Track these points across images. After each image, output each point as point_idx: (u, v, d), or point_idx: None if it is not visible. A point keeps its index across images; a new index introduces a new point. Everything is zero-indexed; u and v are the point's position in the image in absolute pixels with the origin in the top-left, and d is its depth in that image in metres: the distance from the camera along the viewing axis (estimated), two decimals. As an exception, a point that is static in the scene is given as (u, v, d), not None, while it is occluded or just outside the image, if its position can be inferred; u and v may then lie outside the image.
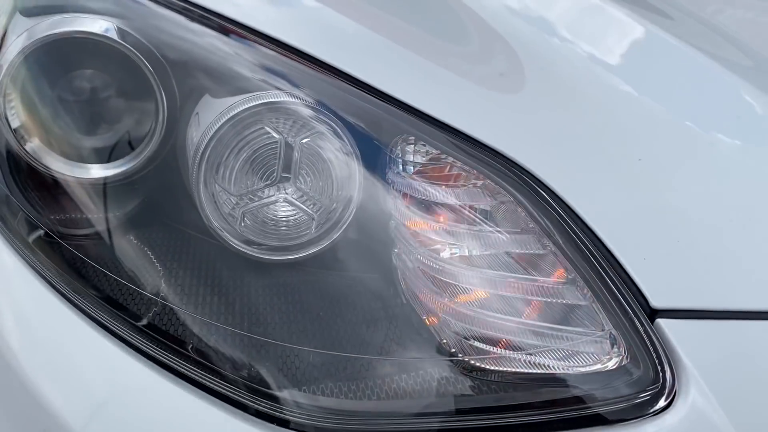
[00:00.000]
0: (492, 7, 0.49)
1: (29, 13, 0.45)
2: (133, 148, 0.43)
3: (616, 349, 0.34)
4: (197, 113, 0.41)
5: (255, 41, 0.41)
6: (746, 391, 0.33)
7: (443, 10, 0.48)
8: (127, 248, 0.41)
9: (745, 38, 0.60)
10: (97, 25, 0.43)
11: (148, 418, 0.35)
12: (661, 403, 0.32)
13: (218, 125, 0.37)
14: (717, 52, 0.52)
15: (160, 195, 0.42)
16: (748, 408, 0.33)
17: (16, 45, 0.41)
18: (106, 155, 0.43)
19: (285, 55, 0.40)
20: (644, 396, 0.33)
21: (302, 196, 0.39)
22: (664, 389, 0.32)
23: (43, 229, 0.41)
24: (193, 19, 0.44)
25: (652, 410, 0.32)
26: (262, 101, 0.38)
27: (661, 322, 0.34)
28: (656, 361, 0.33)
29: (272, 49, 0.41)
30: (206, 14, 0.43)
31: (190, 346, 0.37)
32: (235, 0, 0.44)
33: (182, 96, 0.42)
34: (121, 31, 0.43)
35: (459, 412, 0.35)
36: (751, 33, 0.64)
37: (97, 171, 0.43)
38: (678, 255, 0.35)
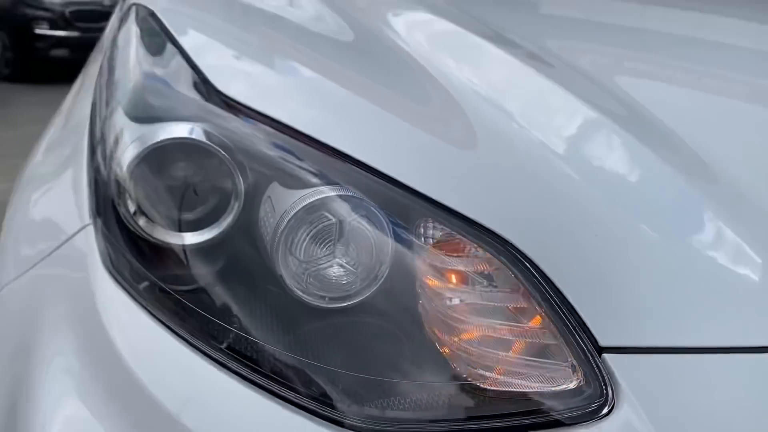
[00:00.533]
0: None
1: (138, 120, 0.58)
2: (217, 220, 0.57)
3: (575, 375, 0.49)
4: (269, 197, 0.55)
5: (315, 147, 0.55)
6: (669, 408, 0.48)
7: (461, 124, 0.62)
8: (220, 295, 0.54)
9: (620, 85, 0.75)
10: (189, 130, 0.57)
11: None
12: (604, 411, 0.47)
13: (294, 212, 0.51)
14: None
15: (239, 256, 0.56)
16: (670, 421, 0.48)
17: (132, 149, 0.55)
18: (197, 226, 0.57)
19: (338, 158, 0.55)
20: (592, 407, 0.47)
21: (350, 260, 0.53)
22: (606, 403, 0.47)
23: (154, 283, 0.55)
24: (262, 122, 0.58)
25: (597, 417, 0.47)
26: (325, 195, 0.52)
27: (606, 356, 0.49)
28: (601, 383, 0.48)
29: (328, 153, 0.55)
30: (272, 121, 0.58)
31: (271, 369, 0.51)
32: (296, 112, 0.58)
33: (255, 182, 0.56)
34: (207, 133, 0.57)
35: (465, 419, 0.50)
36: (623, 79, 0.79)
37: (190, 237, 0.56)
38: (619, 309, 0.50)
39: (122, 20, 0.84)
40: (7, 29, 7.44)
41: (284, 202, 0.53)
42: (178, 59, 0.65)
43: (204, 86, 0.61)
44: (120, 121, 0.61)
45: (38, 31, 7.29)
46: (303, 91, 0.65)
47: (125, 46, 0.74)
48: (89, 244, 0.59)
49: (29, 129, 5.21)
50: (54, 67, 7.94)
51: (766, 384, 0.50)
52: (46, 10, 7.33)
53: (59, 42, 7.35)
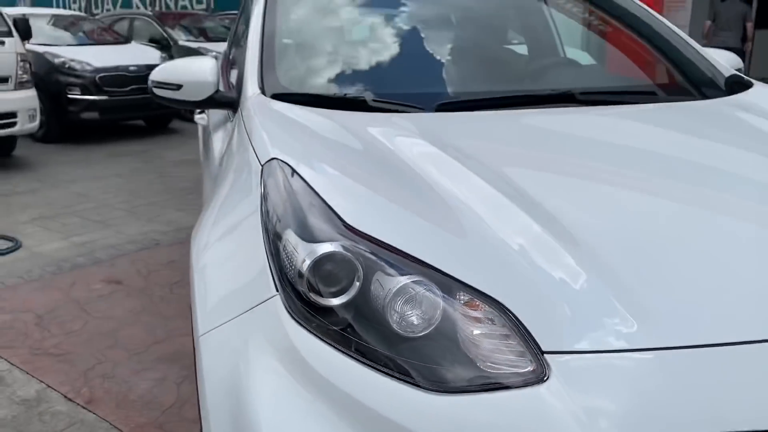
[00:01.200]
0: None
1: (304, 239, 1.11)
2: (347, 291, 1.08)
3: (532, 365, 0.99)
4: (377, 280, 1.07)
5: (398, 253, 1.08)
6: (579, 384, 0.97)
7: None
8: (353, 331, 1.06)
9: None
10: (334, 246, 1.09)
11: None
12: (544, 379, 0.96)
13: (394, 289, 1.03)
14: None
15: (361, 310, 1.08)
16: (589, 395, 0.97)
17: (309, 258, 1.08)
18: (337, 295, 1.08)
19: (410, 259, 1.07)
20: (538, 378, 0.97)
21: (421, 313, 1.04)
22: (545, 377, 0.97)
23: (322, 324, 1.07)
24: (369, 240, 1.11)
25: (541, 383, 0.96)
26: (410, 281, 1.04)
27: (546, 355, 0.99)
28: (544, 369, 0.98)
29: (405, 256, 1.07)
30: (373, 239, 1.10)
31: (382, 362, 1.02)
32: (385, 234, 1.11)
33: (366, 273, 1.08)
34: (343, 247, 1.10)
35: (480, 385, 1.00)
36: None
37: (335, 301, 1.08)
38: (552, 333, 1.00)
39: (267, 173, 1.36)
40: (41, 94, 8.06)
41: (387, 284, 1.05)
42: (318, 200, 1.18)
43: (337, 218, 1.14)
44: (293, 239, 1.13)
45: (71, 95, 7.90)
46: (387, 220, 1.18)
47: (277, 191, 1.27)
48: (278, 306, 1.11)
49: (71, 188, 5.76)
50: (84, 128, 8.57)
51: (639, 375, 0.97)
52: (78, 76, 7.96)
53: (90, 105, 7.96)
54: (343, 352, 1.03)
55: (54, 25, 9.25)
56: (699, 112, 1.81)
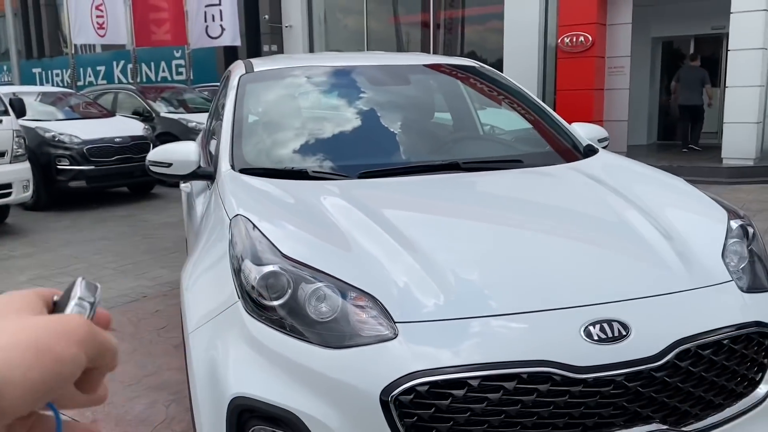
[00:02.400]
0: None
1: (255, 263, 1.77)
2: (284, 296, 1.73)
3: (391, 330, 1.60)
4: (301, 287, 1.71)
5: (315, 270, 1.73)
6: (420, 339, 1.61)
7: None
8: (287, 318, 1.69)
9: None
10: (274, 267, 1.75)
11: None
12: (396, 337, 1.59)
13: (310, 291, 1.68)
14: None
15: (293, 308, 1.72)
16: (419, 344, 1.61)
17: (257, 276, 1.73)
18: (277, 298, 1.73)
19: (321, 273, 1.72)
20: (393, 337, 1.59)
21: (327, 305, 1.68)
22: (396, 336, 1.58)
23: (267, 316, 1.71)
24: (296, 263, 1.76)
25: (394, 339, 1.60)
26: (321, 285, 1.69)
27: (396, 324, 1.61)
28: (395, 331, 1.59)
29: (320, 272, 1.72)
30: (299, 262, 1.76)
31: (297, 332, 1.65)
32: (309, 258, 1.77)
33: (296, 280, 1.73)
34: (281, 268, 1.75)
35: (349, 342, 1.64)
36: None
37: (276, 303, 1.72)
38: (401, 307, 1.64)
39: (234, 224, 2.00)
40: (32, 165, 8.69)
41: (306, 289, 1.69)
42: (265, 239, 1.83)
43: (277, 250, 1.79)
44: (248, 264, 1.77)
45: (60, 166, 8.55)
46: (308, 249, 1.83)
47: (239, 235, 1.92)
48: (240, 308, 1.75)
49: (63, 251, 6.36)
50: (72, 196, 9.19)
51: (447, 333, 1.62)
52: (67, 148, 8.62)
53: (78, 175, 8.60)
54: (281, 332, 1.66)
55: (42, 101, 9.96)
56: (541, 174, 2.53)
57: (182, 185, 3.59)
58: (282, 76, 3.16)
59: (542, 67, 12.86)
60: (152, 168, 2.69)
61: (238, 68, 3.25)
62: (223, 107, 3.27)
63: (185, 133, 10.32)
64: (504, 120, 3.25)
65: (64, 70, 22.00)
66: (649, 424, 1.58)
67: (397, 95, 3.15)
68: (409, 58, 3.58)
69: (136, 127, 9.60)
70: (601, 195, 2.22)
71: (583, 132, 3.00)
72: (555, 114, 3.09)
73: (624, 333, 1.59)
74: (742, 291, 1.81)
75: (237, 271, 1.81)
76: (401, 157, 2.72)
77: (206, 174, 2.66)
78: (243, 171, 2.46)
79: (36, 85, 19.06)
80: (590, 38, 11.43)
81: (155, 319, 4.51)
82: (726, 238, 1.97)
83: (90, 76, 20.57)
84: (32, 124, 8.73)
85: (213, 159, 2.73)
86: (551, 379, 1.52)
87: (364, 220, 1.95)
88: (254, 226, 1.91)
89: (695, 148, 11.88)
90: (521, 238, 1.96)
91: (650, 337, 1.60)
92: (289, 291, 1.69)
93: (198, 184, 2.98)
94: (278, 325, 1.66)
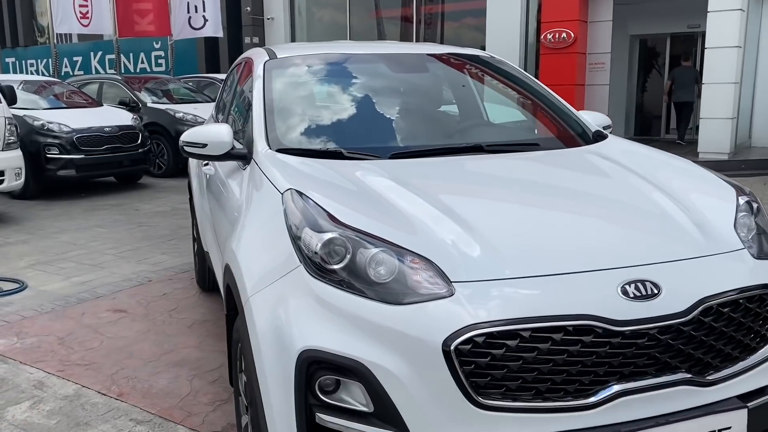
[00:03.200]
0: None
1: (315, 230, 1.91)
2: (344, 260, 1.88)
3: (448, 289, 1.74)
4: (360, 251, 1.86)
5: (369, 236, 1.88)
6: (477, 298, 1.77)
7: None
8: (348, 281, 1.84)
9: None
10: (334, 234, 1.90)
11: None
12: (454, 294, 1.73)
13: (370, 256, 1.83)
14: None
15: (353, 272, 1.86)
16: (476, 303, 1.76)
17: (319, 243, 1.88)
18: (338, 262, 1.87)
19: (377, 238, 1.87)
20: (452, 295, 1.75)
21: (386, 267, 1.83)
22: (452, 295, 1.73)
23: (330, 278, 1.85)
24: (353, 229, 1.91)
25: (449, 297, 1.75)
26: (378, 250, 1.84)
27: (453, 283, 1.75)
28: (452, 290, 1.74)
29: (375, 238, 1.88)
30: (355, 229, 1.91)
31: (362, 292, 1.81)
32: (363, 225, 1.92)
33: (354, 247, 1.88)
34: (339, 234, 1.90)
35: (407, 295, 1.79)
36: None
37: (337, 266, 1.87)
38: (457, 269, 1.78)
39: (286, 197, 2.13)
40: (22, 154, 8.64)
41: (366, 254, 1.83)
42: (321, 210, 1.97)
43: (335, 218, 1.94)
44: (309, 232, 1.91)
45: (49, 155, 8.54)
46: (363, 218, 1.96)
47: (295, 206, 2.05)
48: (302, 271, 1.89)
49: (59, 238, 6.41)
50: (61, 185, 9.18)
51: (503, 292, 1.78)
52: (56, 137, 8.61)
53: (67, 164, 8.60)
54: (344, 290, 1.80)
55: (25, 90, 9.89)
56: (560, 156, 2.72)
57: (204, 167, 3.69)
58: (305, 62, 3.30)
59: (523, 63, 13.12)
60: (187, 148, 2.81)
61: (259, 55, 3.37)
62: (244, 94, 3.40)
63: (172, 123, 10.35)
64: (517, 108, 3.43)
65: (39, 60, 21.70)
66: (676, 374, 1.77)
67: (417, 82, 3.31)
68: (421, 48, 3.74)
69: (125, 117, 9.61)
70: (623, 175, 2.41)
71: (591, 119, 3.20)
72: (564, 101, 3.28)
73: (656, 291, 1.77)
74: (754, 258, 2.01)
75: (296, 238, 1.95)
76: (427, 139, 2.88)
77: (240, 155, 2.78)
78: (279, 151, 2.60)
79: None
80: (572, 35, 11.71)
81: (164, 301, 4.62)
82: (736, 212, 2.17)
83: (67, 67, 20.33)
84: (20, 113, 8.69)
85: (246, 141, 2.86)
86: (593, 331, 1.69)
87: (409, 194, 2.11)
88: (308, 198, 2.05)
89: (681, 143, 12.34)
90: (559, 209, 2.13)
91: (678, 295, 1.78)
92: (348, 256, 1.84)
93: (227, 167, 3.10)
94: (340, 285, 1.81)
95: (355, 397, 1.74)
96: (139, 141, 9.31)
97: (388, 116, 2.99)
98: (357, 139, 2.78)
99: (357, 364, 1.71)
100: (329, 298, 1.80)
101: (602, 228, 2.03)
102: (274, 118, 2.79)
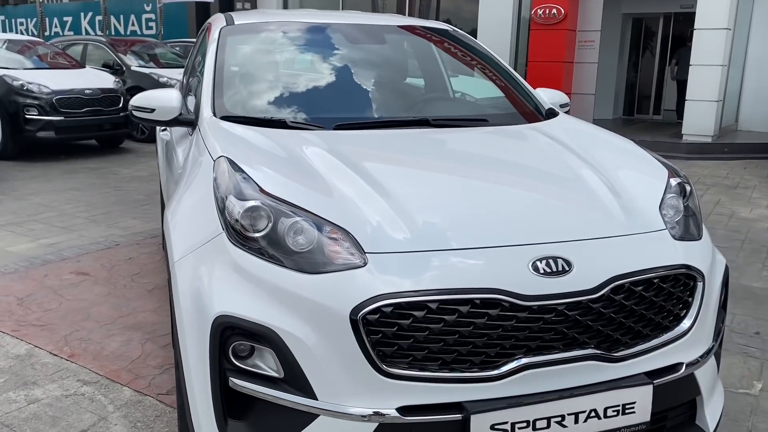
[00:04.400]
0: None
1: (238, 198, 1.93)
2: (265, 228, 1.89)
3: (362, 259, 1.77)
4: (281, 220, 1.88)
5: (293, 206, 1.90)
6: (387, 268, 1.80)
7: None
8: (265, 248, 1.87)
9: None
10: (256, 202, 1.91)
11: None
12: (366, 265, 1.77)
13: (289, 225, 1.85)
14: None
15: (272, 240, 1.88)
16: (387, 273, 1.79)
17: (240, 210, 1.89)
18: (259, 230, 1.89)
19: (299, 209, 1.89)
20: (363, 265, 1.77)
21: (305, 237, 1.86)
22: (365, 264, 1.78)
23: (249, 246, 1.87)
24: (277, 199, 1.93)
25: (362, 267, 1.76)
26: (299, 219, 1.86)
27: (366, 254, 1.78)
28: (365, 260, 1.78)
29: (298, 207, 1.89)
30: (279, 199, 1.93)
31: (275, 258, 1.83)
32: (287, 194, 1.93)
33: (276, 215, 1.89)
34: (262, 203, 1.92)
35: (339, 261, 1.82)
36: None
37: (258, 234, 1.89)
38: (371, 240, 1.82)
39: (217, 164, 2.15)
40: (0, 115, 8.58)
41: (286, 222, 1.85)
42: (247, 177, 1.99)
43: (258, 187, 1.95)
44: (232, 200, 1.93)
45: (28, 116, 8.48)
46: (287, 187, 1.98)
47: (223, 175, 2.07)
48: (224, 238, 1.91)
49: (33, 200, 6.41)
50: (40, 147, 9.13)
51: (409, 264, 1.80)
52: (36, 98, 8.54)
53: (46, 125, 8.55)
54: (262, 258, 1.83)
55: (8, 49, 9.80)
56: (504, 132, 2.73)
57: (161, 133, 3.69)
58: (262, 30, 3.28)
59: (515, 39, 13.03)
60: (135, 113, 2.80)
61: (218, 21, 3.35)
62: (202, 59, 3.39)
63: (156, 88, 10.25)
64: (473, 84, 3.43)
65: (29, 20, 21.41)
66: (584, 349, 1.80)
67: (372, 54, 3.30)
68: (384, 19, 3.71)
69: (107, 80, 9.53)
70: (558, 152, 2.43)
71: (546, 96, 3.20)
72: (520, 78, 3.27)
73: (567, 268, 1.80)
74: (674, 239, 2.03)
75: (222, 209, 1.96)
76: (375, 112, 2.88)
77: (187, 120, 2.78)
78: (224, 118, 2.60)
79: (-1, 33, 18.55)
80: (562, 11, 11.62)
81: (129, 265, 4.64)
82: (665, 193, 2.19)
83: (56, 27, 20.08)
84: (0, 72, 8.62)
85: (194, 107, 2.86)
86: (500, 305, 1.72)
87: (340, 166, 2.12)
88: (237, 166, 2.06)
89: (680, 122, 12.41)
90: (481, 186, 2.15)
91: (589, 272, 1.81)
92: (269, 225, 1.86)
93: (178, 132, 3.10)
94: (259, 253, 1.83)
95: (267, 363, 1.78)
96: (120, 104, 9.25)
97: (338, 87, 2.99)
98: (303, 110, 2.79)
99: (269, 331, 1.74)
100: (248, 266, 1.82)
101: (523, 203, 2.05)
102: (222, 85, 2.78)
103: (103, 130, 9.30)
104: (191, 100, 3.05)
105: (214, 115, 2.62)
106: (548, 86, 3.42)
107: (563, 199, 2.11)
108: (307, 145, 2.31)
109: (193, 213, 2.14)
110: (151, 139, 10.43)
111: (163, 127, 3.68)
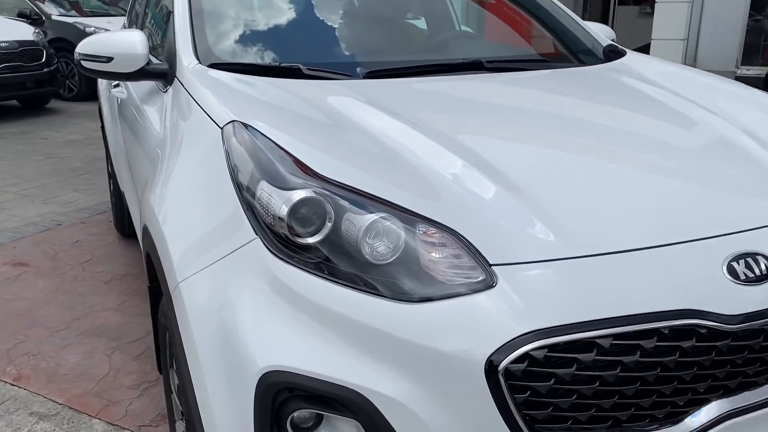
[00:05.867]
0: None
1: (279, 187, 1.27)
2: (321, 230, 1.25)
3: (484, 274, 1.17)
4: (347, 218, 1.24)
5: (364, 195, 1.25)
6: (528, 288, 1.19)
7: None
8: (326, 259, 1.23)
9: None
10: (308, 192, 1.26)
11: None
12: (492, 284, 1.16)
13: (365, 226, 1.21)
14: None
15: (335, 245, 1.24)
16: (524, 294, 1.19)
17: (285, 206, 1.24)
18: (312, 234, 1.25)
19: (371, 198, 1.25)
20: (489, 283, 1.17)
21: (388, 243, 1.23)
22: (493, 285, 1.17)
23: (300, 258, 1.23)
24: (332, 184, 1.28)
25: (491, 287, 1.16)
26: (376, 217, 1.22)
27: (493, 267, 1.19)
28: (492, 278, 1.18)
29: (371, 197, 1.25)
30: (340, 186, 1.28)
31: (351, 280, 1.20)
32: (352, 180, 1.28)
33: (338, 211, 1.25)
34: (315, 191, 1.27)
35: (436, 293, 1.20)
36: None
37: (312, 239, 1.25)
38: (498, 245, 1.22)
39: (229, 134, 1.48)
40: None
41: (356, 222, 1.22)
42: (285, 153, 1.33)
43: (306, 167, 1.31)
44: (268, 188, 1.28)
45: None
46: (348, 167, 1.35)
47: (244, 149, 1.41)
48: (259, 247, 1.26)
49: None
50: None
51: (562, 278, 1.20)
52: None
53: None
54: (325, 278, 1.20)
55: None
56: (589, 77, 2.12)
57: (114, 90, 2.92)
58: None
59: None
60: (85, 63, 2.06)
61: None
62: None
63: (82, 39, 9.12)
64: (502, 18, 2.79)
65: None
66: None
67: None
68: None
69: (26, 31, 8.36)
70: (682, 106, 1.84)
71: (598, 30, 2.61)
72: (567, 9, 2.66)
73: None
74: None
75: (246, 197, 1.31)
76: (411, 54, 2.22)
77: (158, 72, 2.07)
78: (212, 67, 1.90)
79: None
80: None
81: (76, 250, 3.89)
82: None
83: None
84: None
85: (166, 53, 2.13)
86: (695, 333, 1.16)
87: (409, 130, 1.49)
88: (263, 134, 1.40)
89: None
90: (614, 156, 1.54)
91: None
92: (329, 224, 1.23)
93: (142, 89, 2.37)
94: (318, 270, 1.20)
95: None
96: (43, 59, 8.15)
97: (359, 24, 2.31)
98: (321, 52, 2.11)
99: (349, 393, 1.13)
100: (302, 290, 1.20)
101: (686, 180, 1.47)
102: (203, 22, 2.07)
103: (25, 89, 8.19)
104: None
105: (199, 61, 1.92)
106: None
107: (728, 170, 1.53)
108: (349, 100, 1.65)
109: (196, 207, 1.47)
110: (81, 97, 9.37)
111: (116, 83, 2.90)
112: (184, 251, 1.40)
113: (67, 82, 9.48)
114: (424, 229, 1.22)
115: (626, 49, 2.47)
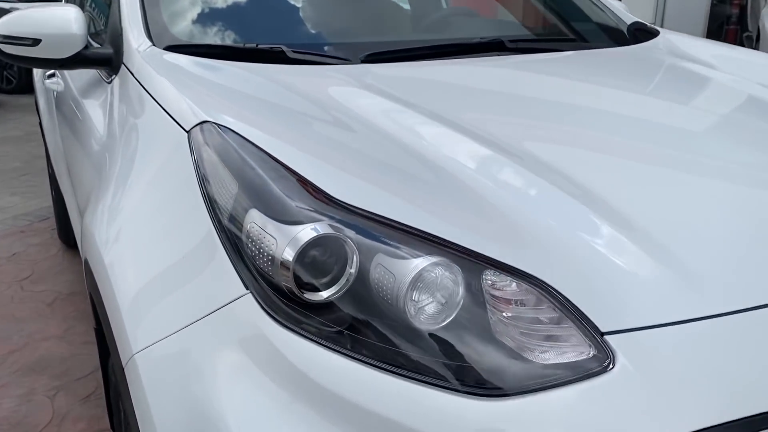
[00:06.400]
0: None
1: (280, 221, 0.86)
2: (339, 280, 0.86)
3: (591, 349, 0.80)
4: (379, 264, 0.85)
5: (404, 229, 0.87)
6: (648, 363, 0.81)
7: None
8: (350, 325, 0.83)
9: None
10: (322, 227, 0.86)
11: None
12: (608, 368, 0.79)
13: (412, 276, 0.82)
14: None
15: (363, 302, 0.85)
16: (657, 378, 0.80)
17: (291, 248, 0.83)
18: (327, 286, 0.85)
19: (416, 233, 0.86)
20: (602, 365, 0.79)
21: (441, 299, 0.84)
22: (609, 365, 0.80)
23: (311, 324, 0.84)
24: (356, 214, 0.88)
25: (605, 371, 0.79)
26: (425, 263, 0.83)
27: (607, 337, 0.81)
28: (607, 353, 0.80)
29: (409, 231, 0.86)
30: (368, 217, 0.88)
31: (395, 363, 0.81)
32: (389, 204, 0.89)
33: (364, 252, 0.86)
34: (332, 227, 0.87)
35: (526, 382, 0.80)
36: None
37: (326, 293, 0.86)
38: (611, 304, 0.85)
39: (199, 139, 1.07)
40: None
41: (393, 268, 0.84)
42: (285, 170, 0.94)
43: (310, 187, 0.91)
44: (260, 220, 0.88)
45: None
46: (376, 189, 0.95)
47: (219, 161, 1.00)
48: (251, 306, 0.87)
49: None
50: None
51: (715, 344, 0.82)
52: None
53: None
54: (346, 355, 0.81)
55: None
56: (631, 57, 1.76)
57: (47, 81, 2.44)
58: None
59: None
60: (5, 48, 1.61)
61: None
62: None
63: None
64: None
65: None
66: None
67: None
68: None
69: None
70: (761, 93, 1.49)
71: (619, 6, 2.26)
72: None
73: None
74: None
75: (232, 234, 0.91)
76: (419, 33, 1.83)
77: (100, 58, 1.63)
78: (169, 49, 1.49)
79: None
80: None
81: (13, 266, 3.40)
82: None
83: None
84: None
85: (109, 35, 1.70)
86: None
87: (450, 134, 1.10)
88: (249, 142, 1.00)
89: None
90: (725, 171, 1.15)
91: None
92: (352, 272, 0.84)
93: (80, 78, 1.93)
94: (335, 341, 0.82)
95: None
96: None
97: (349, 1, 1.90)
98: (307, 32, 1.69)
99: None
100: (318, 376, 0.82)
101: None
102: None
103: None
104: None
105: (153, 43, 1.50)
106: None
107: None
108: (361, 95, 1.26)
109: (156, 240, 1.06)
110: (21, 90, 8.68)
111: (50, 72, 2.43)
112: (140, 309, 0.99)
113: (5, 72, 8.78)
114: (494, 279, 0.84)
115: (658, 29, 2.12)
